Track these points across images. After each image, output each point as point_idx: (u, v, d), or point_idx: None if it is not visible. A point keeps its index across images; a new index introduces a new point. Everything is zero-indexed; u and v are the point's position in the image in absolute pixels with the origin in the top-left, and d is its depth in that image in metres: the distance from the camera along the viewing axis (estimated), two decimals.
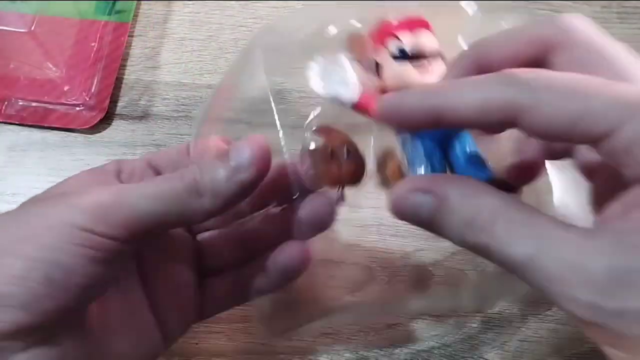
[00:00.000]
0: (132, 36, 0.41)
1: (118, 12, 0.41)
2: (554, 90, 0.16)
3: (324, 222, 0.25)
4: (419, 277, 0.35)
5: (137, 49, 0.41)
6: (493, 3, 0.35)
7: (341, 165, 0.22)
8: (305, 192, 0.25)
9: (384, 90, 0.31)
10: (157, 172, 0.27)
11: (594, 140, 0.15)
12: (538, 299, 0.35)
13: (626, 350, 0.15)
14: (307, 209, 0.25)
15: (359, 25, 0.31)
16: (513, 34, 0.20)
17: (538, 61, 0.19)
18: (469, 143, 0.26)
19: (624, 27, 0.41)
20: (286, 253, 0.26)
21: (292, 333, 0.34)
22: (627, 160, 0.15)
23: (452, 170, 0.27)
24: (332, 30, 0.31)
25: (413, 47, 0.29)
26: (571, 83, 0.16)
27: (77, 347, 0.22)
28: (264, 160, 0.22)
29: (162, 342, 0.26)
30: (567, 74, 0.17)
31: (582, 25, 0.19)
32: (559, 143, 0.22)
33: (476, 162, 0.28)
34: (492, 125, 0.17)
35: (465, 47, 0.31)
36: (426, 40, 0.29)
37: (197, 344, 0.33)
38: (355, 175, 0.23)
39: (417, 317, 0.34)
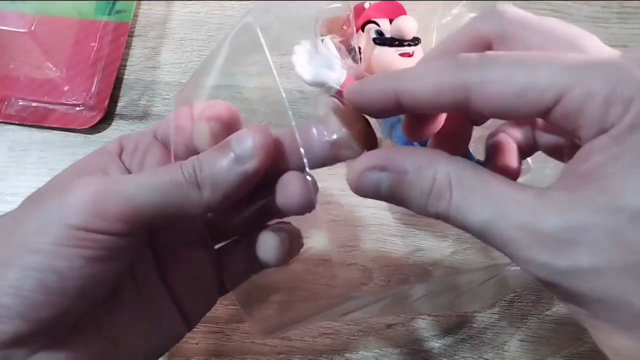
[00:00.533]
0: (132, 36, 0.41)
1: (118, 12, 0.41)
2: (500, 66, 0.16)
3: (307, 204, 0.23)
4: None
5: (137, 49, 0.41)
6: (491, 3, 0.35)
7: (367, 123, 0.21)
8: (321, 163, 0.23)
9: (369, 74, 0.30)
10: (164, 144, 0.25)
11: (545, 109, 0.16)
12: (538, 299, 0.35)
13: (578, 304, 0.15)
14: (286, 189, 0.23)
15: (338, 5, 0.30)
16: (454, 40, 0.21)
17: None
18: None
19: (624, 27, 0.41)
20: (259, 244, 0.24)
21: (283, 332, 0.34)
22: (579, 121, 0.15)
23: None
24: (314, 13, 0.31)
25: (394, 31, 0.29)
26: (516, 58, 0.16)
27: (89, 347, 0.22)
28: (267, 150, 0.21)
29: (182, 326, 0.26)
30: (513, 52, 0.17)
31: (514, 12, 0.19)
32: (524, 138, 0.22)
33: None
34: (448, 107, 0.18)
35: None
36: (407, 24, 0.29)
37: (197, 344, 0.33)
38: (375, 136, 0.23)
39: (416, 316, 0.34)
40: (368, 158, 0.19)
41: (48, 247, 0.20)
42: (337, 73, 0.28)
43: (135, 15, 0.41)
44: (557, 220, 0.15)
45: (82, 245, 0.20)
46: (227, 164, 0.21)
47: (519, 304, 0.35)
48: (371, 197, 0.19)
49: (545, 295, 0.35)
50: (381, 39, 0.30)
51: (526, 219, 0.15)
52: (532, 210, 0.15)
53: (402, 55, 0.30)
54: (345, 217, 0.35)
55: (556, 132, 0.22)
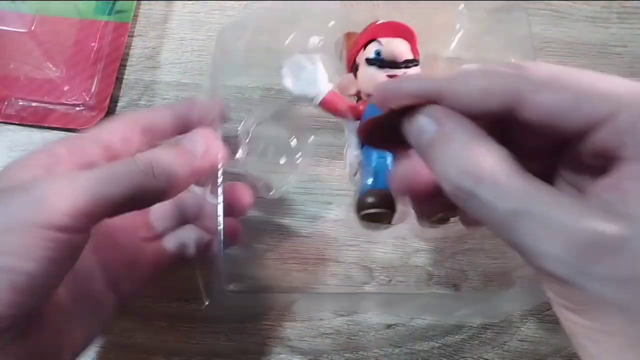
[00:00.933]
0: (132, 36, 0.41)
1: (118, 12, 0.41)
2: (556, 75, 0.17)
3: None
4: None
5: (137, 49, 0.41)
6: (490, 3, 0.35)
7: None
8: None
9: (358, 92, 0.32)
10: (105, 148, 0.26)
11: (597, 122, 0.16)
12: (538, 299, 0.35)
13: (589, 314, 0.15)
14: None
15: (331, 24, 0.33)
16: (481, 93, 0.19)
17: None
18: None
19: (624, 27, 0.41)
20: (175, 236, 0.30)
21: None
22: (627, 140, 0.16)
23: None
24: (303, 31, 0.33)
25: (385, 54, 0.30)
26: (571, 72, 0.17)
27: (38, 342, 0.22)
28: (215, 149, 0.25)
29: (116, 307, 0.27)
30: (566, 67, 0.17)
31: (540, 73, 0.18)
32: None
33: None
34: (492, 112, 0.18)
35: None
36: (397, 48, 0.30)
37: (197, 343, 0.33)
38: None
39: (416, 316, 0.34)
40: (432, 106, 0.19)
41: (18, 249, 0.20)
42: (321, 88, 0.31)
43: (135, 15, 0.41)
44: (598, 226, 0.15)
45: (50, 247, 0.20)
46: (182, 159, 0.24)
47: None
48: (411, 144, 0.19)
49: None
50: (372, 60, 0.31)
51: (564, 217, 0.15)
52: (572, 211, 0.15)
53: (389, 76, 0.31)
54: (345, 216, 0.35)
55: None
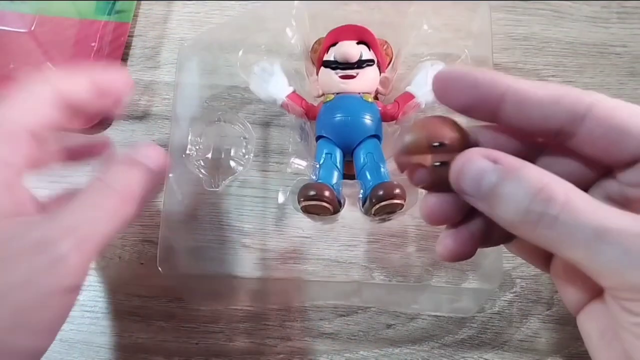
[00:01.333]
0: (132, 36, 0.41)
1: (118, 12, 0.41)
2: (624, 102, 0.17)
3: None
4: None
5: (137, 49, 0.41)
6: (481, 3, 0.36)
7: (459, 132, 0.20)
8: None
9: (322, 93, 0.34)
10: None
11: None
12: (538, 299, 0.35)
13: None
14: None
15: (290, 33, 0.35)
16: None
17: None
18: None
19: (624, 27, 0.41)
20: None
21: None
22: None
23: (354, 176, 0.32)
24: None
25: (337, 56, 0.33)
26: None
27: None
28: (164, 160, 0.27)
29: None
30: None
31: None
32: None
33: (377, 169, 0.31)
34: (557, 121, 0.17)
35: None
36: (347, 50, 0.32)
37: (197, 343, 0.33)
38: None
39: (416, 316, 0.34)
40: (482, 149, 0.18)
41: (40, 325, 0.20)
42: (281, 91, 0.34)
43: (135, 15, 0.41)
44: None
45: (63, 315, 0.21)
46: (150, 179, 0.25)
47: (519, 304, 0.35)
48: (467, 191, 0.18)
49: (545, 296, 0.35)
50: (327, 62, 0.33)
51: None
52: None
53: (342, 77, 0.33)
54: (345, 217, 0.35)
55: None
